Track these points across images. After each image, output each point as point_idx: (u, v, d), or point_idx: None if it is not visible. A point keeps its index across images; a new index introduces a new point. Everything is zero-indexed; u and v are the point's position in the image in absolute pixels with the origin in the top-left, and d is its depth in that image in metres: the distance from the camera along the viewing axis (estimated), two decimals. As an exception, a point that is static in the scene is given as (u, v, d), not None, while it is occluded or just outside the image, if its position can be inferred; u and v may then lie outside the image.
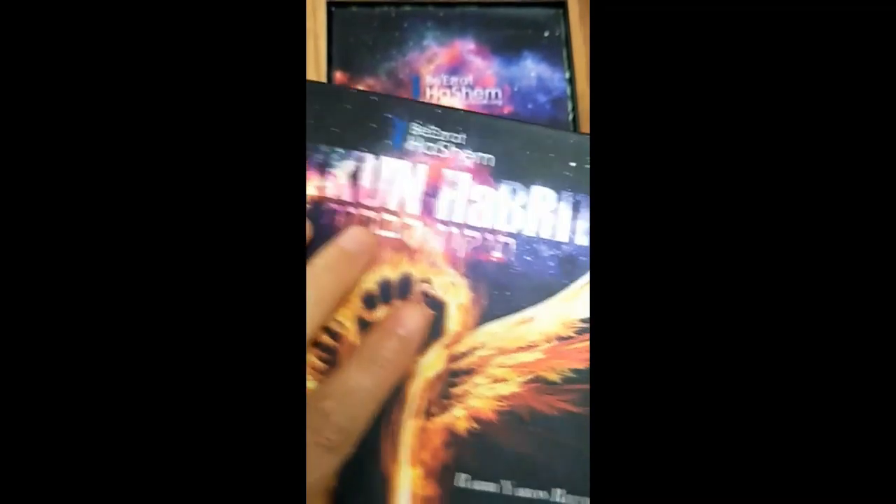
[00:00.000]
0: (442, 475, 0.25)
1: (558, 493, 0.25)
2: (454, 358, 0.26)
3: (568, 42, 0.42)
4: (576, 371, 0.26)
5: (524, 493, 0.25)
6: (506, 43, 0.42)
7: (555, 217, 0.27)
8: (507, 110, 0.41)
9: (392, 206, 0.26)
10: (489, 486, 0.25)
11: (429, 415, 0.26)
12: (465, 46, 0.42)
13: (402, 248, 0.26)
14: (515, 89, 0.41)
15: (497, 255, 0.26)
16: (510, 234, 0.26)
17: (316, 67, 0.48)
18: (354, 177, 0.26)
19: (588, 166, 0.27)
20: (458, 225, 0.26)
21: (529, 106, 0.41)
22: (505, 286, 0.26)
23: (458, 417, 0.26)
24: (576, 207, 0.27)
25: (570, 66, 0.41)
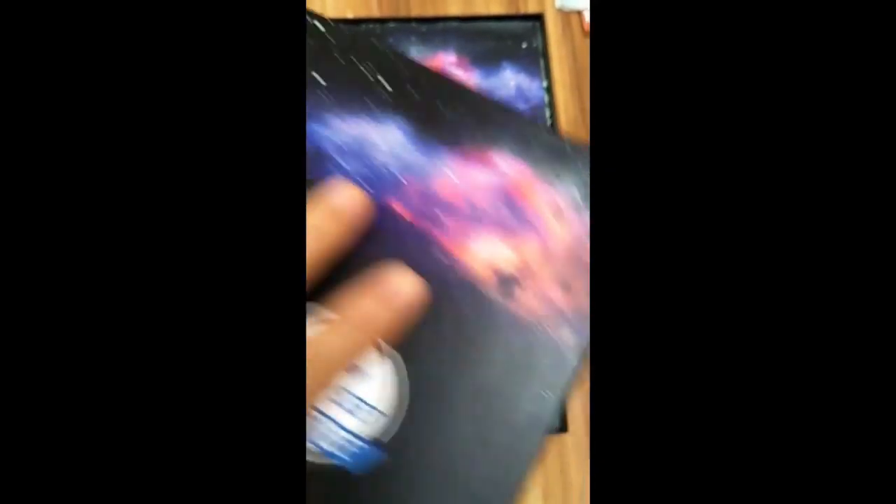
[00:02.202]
0: None
1: None
2: None
3: (545, 52, 0.44)
4: None
5: None
6: (485, 55, 0.44)
7: None
8: (487, 118, 0.42)
9: None
10: None
11: None
12: (447, 59, 0.44)
13: None
14: (495, 98, 0.43)
15: None
16: None
17: (306, 83, 0.49)
18: None
19: None
20: None
21: (509, 114, 0.42)
22: None
23: None
24: None
25: (548, 76, 0.43)
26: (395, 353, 0.25)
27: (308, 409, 0.23)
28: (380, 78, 0.29)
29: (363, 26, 0.44)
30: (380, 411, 0.25)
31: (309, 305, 0.25)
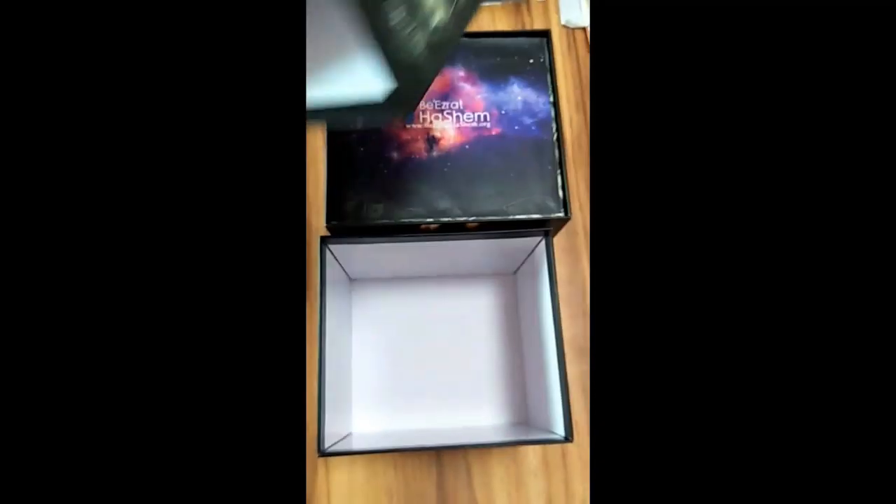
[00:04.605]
0: None
1: None
2: None
3: (552, 68, 0.45)
4: None
5: None
6: (493, 70, 0.45)
7: None
8: (495, 132, 0.43)
9: None
10: None
11: None
12: (456, 74, 0.44)
13: None
14: (503, 112, 0.44)
15: None
16: None
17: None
18: None
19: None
20: None
21: (516, 128, 0.43)
22: None
23: None
24: None
25: (554, 91, 0.44)
26: None
27: None
28: None
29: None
30: None
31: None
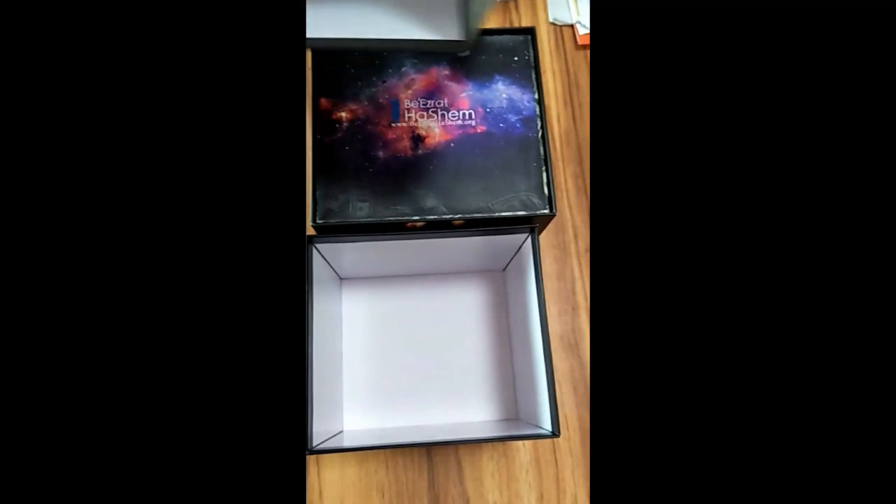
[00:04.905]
0: None
1: None
2: None
3: (536, 65, 0.45)
4: None
5: None
6: (478, 68, 0.45)
7: None
8: (480, 130, 0.43)
9: None
10: None
11: None
12: (441, 72, 0.45)
13: None
14: (488, 110, 0.44)
15: None
16: None
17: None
18: None
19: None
20: None
21: (501, 125, 0.43)
22: None
23: None
24: None
25: (539, 88, 0.44)
26: None
27: None
28: None
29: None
30: None
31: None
